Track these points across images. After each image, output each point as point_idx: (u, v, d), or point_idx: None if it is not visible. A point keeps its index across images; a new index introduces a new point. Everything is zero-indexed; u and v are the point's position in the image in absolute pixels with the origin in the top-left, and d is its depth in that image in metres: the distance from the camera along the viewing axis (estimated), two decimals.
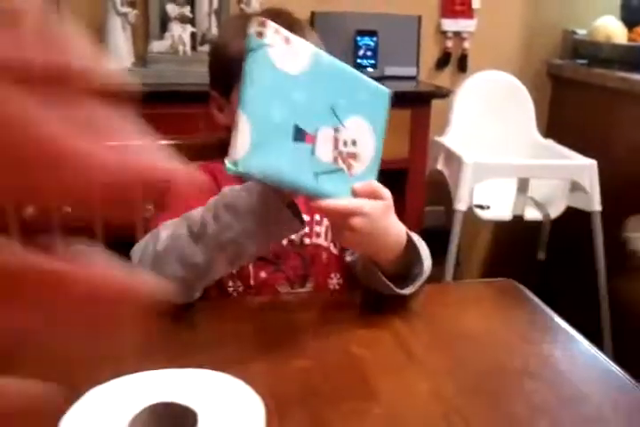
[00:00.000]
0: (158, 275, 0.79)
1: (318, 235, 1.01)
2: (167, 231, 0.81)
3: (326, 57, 0.69)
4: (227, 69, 0.93)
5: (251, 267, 0.96)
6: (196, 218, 0.78)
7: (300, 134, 0.66)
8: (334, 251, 1.02)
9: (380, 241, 0.78)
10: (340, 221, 0.74)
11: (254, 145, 0.64)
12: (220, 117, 1.01)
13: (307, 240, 1.00)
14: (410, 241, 0.82)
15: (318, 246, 1.00)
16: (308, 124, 0.67)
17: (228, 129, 0.99)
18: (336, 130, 0.70)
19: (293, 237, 0.98)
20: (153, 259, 0.80)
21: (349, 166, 0.72)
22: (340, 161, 0.71)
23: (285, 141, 0.66)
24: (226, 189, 0.78)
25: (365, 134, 0.74)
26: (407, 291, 0.82)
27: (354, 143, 0.72)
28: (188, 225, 0.78)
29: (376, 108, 0.76)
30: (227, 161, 0.64)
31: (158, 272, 0.80)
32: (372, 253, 0.81)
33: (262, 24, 0.63)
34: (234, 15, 1.03)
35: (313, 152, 0.68)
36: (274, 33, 0.64)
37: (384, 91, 0.77)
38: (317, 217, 1.01)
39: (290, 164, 0.67)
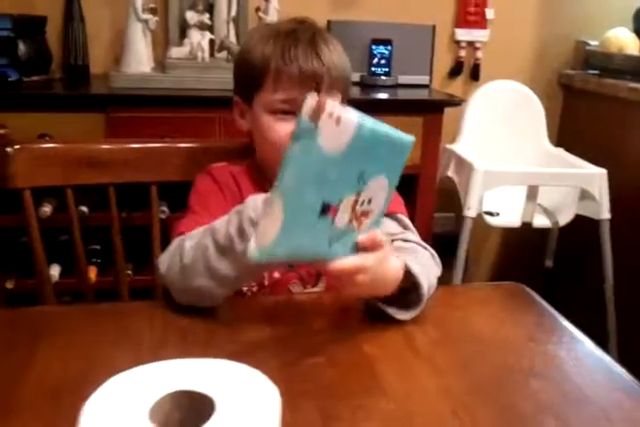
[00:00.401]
0: (187, 287, 0.81)
1: None
2: (191, 242, 0.82)
3: (368, 125, 0.64)
4: (249, 76, 0.96)
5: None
6: (221, 230, 0.79)
7: (325, 209, 0.64)
8: None
9: (380, 285, 0.78)
10: (345, 278, 0.74)
11: (282, 232, 0.61)
12: (241, 123, 1.02)
13: None
14: (407, 271, 0.81)
15: None
16: (335, 196, 0.65)
17: (249, 134, 1.02)
18: (358, 194, 0.68)
19: None
20: (180, 270, 0.82)
21: (360, 224, 0.71)
22: (353, 222, 0.69)
23: (311, 219, 0.64)
24: (249, 201, 0.79)
25: (382, 190, 0.71)
26: (407, 316, 0.82)
27: (369, 202, 0.70)
28: (214, 237, 0.79)
29: (397, 159, 0.72)
30: (251, 247, 0.61)
31: (187, 284, 0.81)
32: (372, 295, 0.81)
33: (317, 106, 0.59)
34: (258, 25, 1.05)
35: (333, 222, 0.66)
36: (328, 117, 0.59)
37: (409, 141, 0.72)
38: None
39: (311, 239, 0.66)
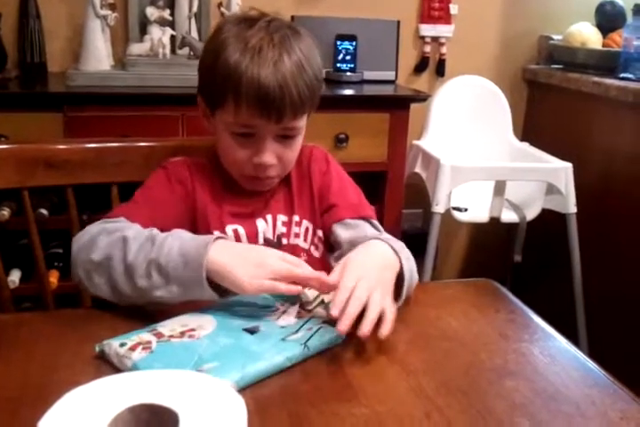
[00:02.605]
0: (88, 280, 0.83)
1: (297, 235, 1.01)
2: (108, 239, 0.83)
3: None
4: (212, 88, 0.93)
5: None
6: (133, 248, 0.80)
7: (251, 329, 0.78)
8: (316, 254, 1.02)
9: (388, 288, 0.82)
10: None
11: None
12: (205, 122, 1.00)
13: (284, 240, 1.00)
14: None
15: (296, 247, 1.01)
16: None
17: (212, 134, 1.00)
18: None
19: (270, 236, 0.99)
20: (85, 265, 0.83)
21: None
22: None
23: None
24: (174, 238, 0.81)
25: None
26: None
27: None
28: (126, 251, 0.80)
29: None
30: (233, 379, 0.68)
31: (89, 279, 0.83)
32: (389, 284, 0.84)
33: None
34: (233, 18, 1.00)
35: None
36: None
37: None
38: (297, 218, 1.01)
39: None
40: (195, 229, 0.95)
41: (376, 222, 1.02)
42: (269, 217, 1.00)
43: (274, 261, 0.79)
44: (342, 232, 0.99)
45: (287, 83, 0.88)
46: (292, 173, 1.03)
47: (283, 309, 0.82)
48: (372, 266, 0.82)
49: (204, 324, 0.77)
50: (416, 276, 0.91)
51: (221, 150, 0.97)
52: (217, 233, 0.92)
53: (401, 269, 0.85)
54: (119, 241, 0.82)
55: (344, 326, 0.74)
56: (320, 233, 1.03)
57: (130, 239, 0.81)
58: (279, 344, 0.74)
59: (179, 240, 0.81)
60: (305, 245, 1.02)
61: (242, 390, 0.65)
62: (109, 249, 0.82)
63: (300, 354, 0.73)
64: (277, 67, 0.88)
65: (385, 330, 0.75)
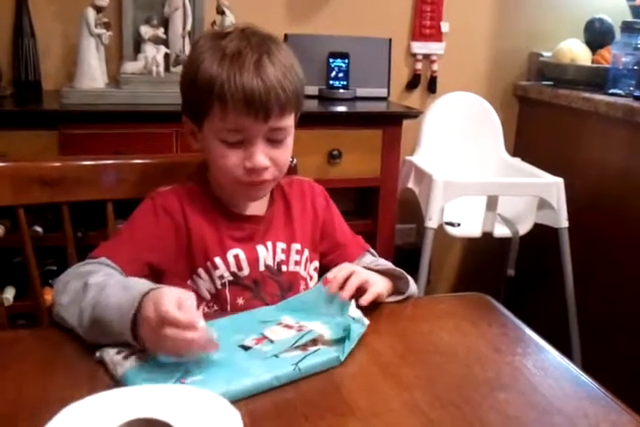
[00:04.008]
0: (61, 321, 0.83)
1: (297, 263, 1.01)
2: (76, 284, 0.83)
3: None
4: (196, 100, 0.92)
5: (227, 293, 0.95)
6: (88, 296, 0.79)
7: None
8: (310, 284, 1.02)
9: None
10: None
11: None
12: (192, 142, 0.99)
13: (284, 267, 0.99)
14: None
15: (296, 274, 1.00)
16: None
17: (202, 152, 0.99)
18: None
19: (270, 263, 0.98)
20: (57, 307, 0.83)
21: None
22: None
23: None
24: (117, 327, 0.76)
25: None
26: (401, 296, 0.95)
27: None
28: (82, 298, 0.80)
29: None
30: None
31: (62, 321, 0.82)
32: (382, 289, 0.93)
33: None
34: (206, 33, 1.00)
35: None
36: None
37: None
38: (298, 246, 1.01)
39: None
40: (191, 260, 0.95)
41: (372, 250, 1.09)
42: (269, 244, 0.99)
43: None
44: None
45: (271, 81, 0.88)
46: (293, 201, 1.03)
47: (285, 323, 0.83)
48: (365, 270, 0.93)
49: None
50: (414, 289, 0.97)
51: (213, 162, 0.95)
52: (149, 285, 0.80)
53: (402, 274, 0.95)
54: (82, 287, 0.82)
55: (345, 294, 0.85)
56: (317, 264, 1.04)
57: (90, 286, 0.81)
58: (271, 361, 0.74)
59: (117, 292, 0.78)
60: (304, 274, 1.02)
61: (236, 403, 0.65)
62: (74, 294, 0.82)
63: (290, 375, 0.72)
64: (259, 66, 0.88)
65: (364, 300, 0.86)
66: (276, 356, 0.75)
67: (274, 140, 0.93)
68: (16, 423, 0.63)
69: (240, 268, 0.96)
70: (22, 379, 0.71)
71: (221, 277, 0.95)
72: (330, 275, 0.88)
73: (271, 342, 0.78)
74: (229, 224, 0.98)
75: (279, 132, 0.92)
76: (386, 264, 1.01)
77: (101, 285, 0.80)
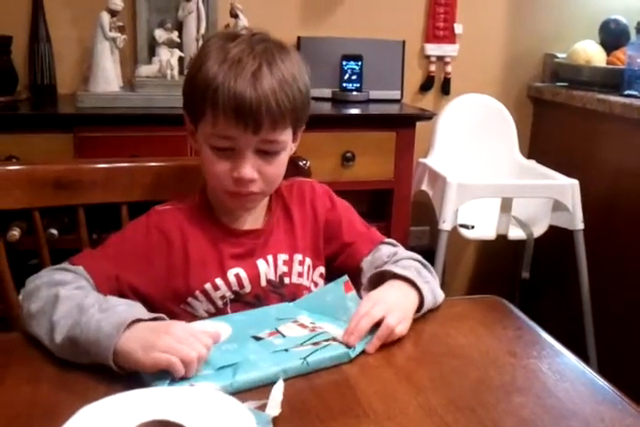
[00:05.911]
0: (28, 327, 0.81)
1: (300, 274, 0.99)
2: (47, 292, 0.81)
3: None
4: (193, 101, 0.91)
5: (229, 310, 0.94)
6: (61, 309, 0.78)
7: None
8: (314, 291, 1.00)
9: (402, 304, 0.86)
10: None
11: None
12: (191, 142, 0.97)
13: (286, 280, 0.98)
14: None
15: (299, 286, 0.99)
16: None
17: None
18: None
19: (272, 277, 0.97)
20: (24, 313, 0.82)
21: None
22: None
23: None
24: (98, 310, 0.76)
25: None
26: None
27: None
28: (53, 310, 0.78)
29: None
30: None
31: (28, 326, 0.81)
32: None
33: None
34: (219, 33, 0.99)
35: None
36: None
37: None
38: (300, 257, 0.99)
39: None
40: (187, 282, 0.93)
41: (389, 240, 1.04)
42: (270, 257, 0.97)
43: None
44: (367, 265, 1.00)
45: (265, 93, 0.85)
46: (294, 207, 1.01)
47: (300, 322, 0.84)
48: (391, 294, 0.87)
49: (220, 331, 0.79)
50: (439, 292, 0.94)
51: (204, 166, 0.93)
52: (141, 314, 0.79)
53: (421, 294, 0.89)
54: (53, 297, 0.80)
55: (352, 339, 0.78)
56: (322, 269, 1.02)
57: (60, 299, 0.79)
58: (280, 354, 0.75)
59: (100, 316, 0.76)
60: (307, 284, 1.00)
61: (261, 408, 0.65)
62: (43, 303, 0.80)
63: (297, 368, 0.73)
64: (256, 77, 0.86)
65: (370, 349, 0.80)
66: (286, 350, 0.75)
67: (265, 153, 0.90)
68: (30, 424, 0.63)
69: (241, 286, 0.94)
70: (37, 380, 0.72)
71: (223, 297, 0.94)
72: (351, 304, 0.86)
73: (283, 336, 0.79)
74: (229, 242, 0.96)
75: (271, 145, 0.90)
76: (408, 255, 0.98)
77: (75, 300, 0.79)
